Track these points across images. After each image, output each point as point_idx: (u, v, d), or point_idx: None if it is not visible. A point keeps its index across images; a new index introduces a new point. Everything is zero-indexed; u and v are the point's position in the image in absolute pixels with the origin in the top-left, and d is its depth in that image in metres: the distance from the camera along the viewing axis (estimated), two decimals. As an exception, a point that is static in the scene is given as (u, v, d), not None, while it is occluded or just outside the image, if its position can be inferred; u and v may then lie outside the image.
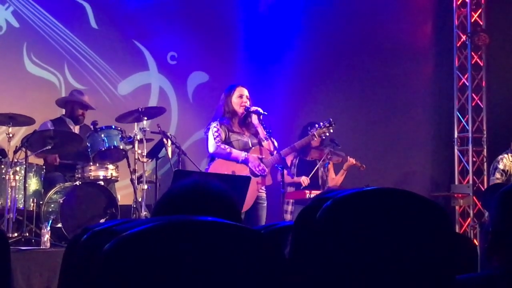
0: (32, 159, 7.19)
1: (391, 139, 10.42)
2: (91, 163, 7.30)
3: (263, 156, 6.91)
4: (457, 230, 9.60)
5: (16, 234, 6.63)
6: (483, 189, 9.93)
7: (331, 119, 7.24)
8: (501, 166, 8.64)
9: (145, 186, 7.23)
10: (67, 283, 1.79)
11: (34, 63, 8.92)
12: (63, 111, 8.07)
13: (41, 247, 6.30)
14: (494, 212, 2.36)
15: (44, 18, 8.98)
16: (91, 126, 7.45)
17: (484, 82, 10.56)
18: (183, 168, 7.41)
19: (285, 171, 7.11)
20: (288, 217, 7.44)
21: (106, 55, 9.35)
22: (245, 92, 6.98)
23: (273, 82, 9.97)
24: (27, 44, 8.89)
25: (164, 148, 7.37)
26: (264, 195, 7.02)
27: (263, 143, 6.93)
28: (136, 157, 7.22)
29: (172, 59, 9.81)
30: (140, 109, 7.33)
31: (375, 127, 10.35)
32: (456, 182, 10.44)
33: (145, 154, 7.25)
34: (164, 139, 7.33)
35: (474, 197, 10.02)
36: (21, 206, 6.81)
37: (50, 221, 6.70)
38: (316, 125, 7.25)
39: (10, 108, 7.17)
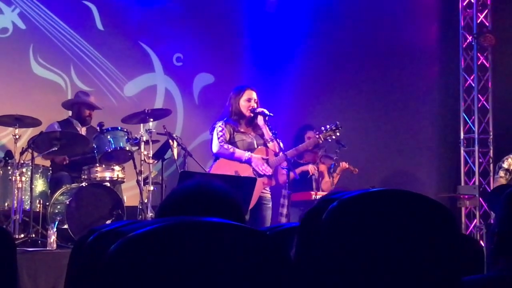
0: (39, 160, 7.20)
1: (397, 140, 10.41)
2: (98, 164, 7.31)
3: (268, 157, 6.90)
4: (463, 232, 9.58)
5: (22, 236, 6.64)
6: (489, 190, 9.90)
7: (338, 122, 7.21)
8: (505, 165, 8.66)
9: (151, 187, 7.23)
10: (73, 284, 1.79)
11: (41, 64, 8.93)
12: (70, 113, 8.09)
13: (48, 248, 6.30)
14: (500, 214, 2.36)
15: (50, 20, 9.00)
16: (98, 128, 7.46)
17: (490, 83, 10.53)
18: (188, 170, 7.41)
19: (291, 172, 7.10)
20: (283, 220, 7.40)
21: (112, 57, 9.37)
22: (254, 96, 6.97)
23: (279, 83, 9.97)
24: (34, 46, 8.91)
25: (170, 150, 7.38)
26: (269, 195, 7.02)
27: (268, 144, 6.93)
28: (142, 159, 7.22)
29: (178, 61, 9.82)
30: (146, 111, 7.33)
31: (381, 128, 10.34)
32: (462, 183, 10.41)
33: (151, 156, 7.26)
34: (170, 141, 7.33)
35: (480, 198, 9.99)
36: (27, 208, 6.83)
37: (57, 222, 6.70)
38: (322, 128, 7.23)
39: (16, 110, 7.18)
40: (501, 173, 8.71)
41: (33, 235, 6.64)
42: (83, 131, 7.88)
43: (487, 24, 10.52)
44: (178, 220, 1.68)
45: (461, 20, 10.64)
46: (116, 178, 7.38)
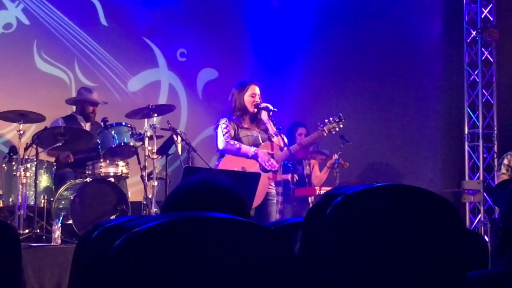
0: (43, 156, 7.21)
1: (401, 135, 10.41)
2: (102, 160, 7.32)
3: (273, 152, 6.90)
4: (467, 227, 9.57)
5: (27, 231, 6.65)
6: (493, 185, 9.89)
7: (341, 114, 7.20)
8: (506, 161, 8.69)
9: (155, 183, 7.24)
10: (78, 279, 1.79)
11: (45, 60, 8.94)
12: (74, 108, 8.09)
13: (52, 244, 6.31)
14: (505, 208, 2.35)
15: (54, 16, 9.00)
16: (102, 123, 7.46)
17: (494, 78, 10.51)
18: (193, 165, 7.42)
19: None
20: (276, 216, 7.38)
21: (116, 52, 9.37)
22: (257, 91, 6.96)
23: (283, 78, 9.97)
24: (38, 41, 8.92)
25: (174, 145, 7.38)
26: (274, 191, 7.01)
27: (273, 139, 6.93)
28: (146, 154, 7.23)
29: (182, 56, 9.82)
30: (150, 106, 7.34)
31: (385, 123, 10.33)
32: (467, 179, 10.40)
33: (155, 151, 7.26)
34: (174, 136, 7.34)
35: (484, 193, 9.98)
36: (32, 203, 6.84)
37: (61, 218, 6.71)
38: (326, 121, 7.21)
39: (20, 105, 7.19)
40: (503, 170, 8.74)
41: (38, 231, 6.64)
42: (87, 126, 7.89)
43: (491, 19, 10.49)
44: (183, 216, 1.68)
45: (465, 15, 10.61)
46: (120, 174, 7.39)
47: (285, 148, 6.87)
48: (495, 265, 2.37)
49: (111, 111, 8.05)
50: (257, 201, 6.68)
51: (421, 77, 10.58)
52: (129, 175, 7.58)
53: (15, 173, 6.84)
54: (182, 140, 7.37)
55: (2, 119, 7.33)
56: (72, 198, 6.91)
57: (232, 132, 6.87)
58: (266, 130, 6.98)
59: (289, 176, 7.90)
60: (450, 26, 10.79)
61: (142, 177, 7.23)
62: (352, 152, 8.70)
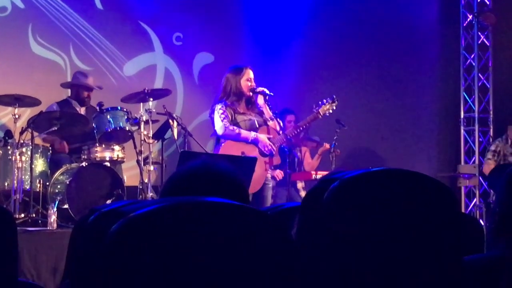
0: (39, 140, 7.20)
1: (397, 119, 10.41)
2: (97, 144, 7.31)
3: (271, 136, 6.90)
4: (462, 211, 9.59)
5: (23, 215, 6.65)
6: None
7: (334, 96, 7.20)
8: (493, 147, 8.79)
9: (151, 167, 7.24)
10: (74, 263, 1.79)
11: (40, 44, 8.90)
12: (69, 92, 8.07)
13: (48, 228, 6.32)
14: (501, 193, 2.36)
15: (49, -1, 8.97)
16: (97, 107, 7.45)
17: (490, 62, 10.51)
18: (189, 149, 7.41)
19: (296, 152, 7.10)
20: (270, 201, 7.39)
21: (112, 36, 9.33)
22: (252, 75, 6.95)
23: (279, 63, 9.95)
24: (33, 25, 8.88)
25: (170, 129, 7.37)
26: (269, 175, 7.02)
27: (269, 123, 6.92)
28: (142, 138, 7.22)
29: (178, 40, 9.79)
30: (146, 90, 7.32)
31: (381, 108, 10.33)
32: (462, 163, 10.43)
33: (151, 135, 7.25)
34: (170, 120, 7.32)
35: (480, 178, 10.00)
36: (27, 187, 6.83)
37: (57, 202, 6.71)
38: (320, 102, 7.20)
39: (16, 89, 7.17)
40: (489, 155, 8.88)
41: (34, 215, 6.65)
42: (82, 111, 7.87)
43: (488, 3, 10.48)
44: (179, 200, 1.68)
45: (461, -2, 10.61)
46: (116, 158, 7.39)
47: (281, 133, 6.87)
48: (491, 249, 2.38)
49: (107, 96, 8.03)
50: (256, 187, 6.68)
51: (417, 61, 10.58)
52: (124, 160, 7.57)
53: (10, 157, 6.83)
54: (178, 124, 7.36)
55: (-2, 103, 7.32)
56: (68, 182, 6.91)
57: (230, 117, 6.86)
58: (260, 114, 6.97)
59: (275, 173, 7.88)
60: (446, 10, 10.77)
61: (138, 161, 7.23)
62: (348, 137, 8.70)
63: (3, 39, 8.69)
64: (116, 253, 1.51)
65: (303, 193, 8.34)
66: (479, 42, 10.50)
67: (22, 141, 6.86)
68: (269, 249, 1.65)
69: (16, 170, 6.73)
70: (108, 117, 7.29)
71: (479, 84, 10.47)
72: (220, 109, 6.85)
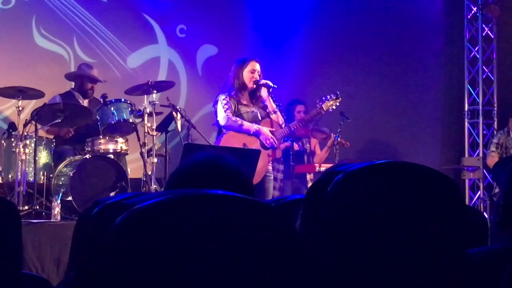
0: (42, 132, 7.21)
1: (401, 112, 10.40)
2: (101, 137, 7.31)
3: (274, 129, 6.89)
4: (466, 203, 9.59)
5: (26, 207, 6.66)
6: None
7: (338, 92, 7.21)
8: (495, 140, 8.80)
9: (155, 160, 7.24)
10: (78, 256, 1.79)
11: (43, 36, 8.91)
12: (72, 85, 8.07)
13: (52, 220, 6.33)
14: (505, 185, 2.35)
15: (53, -9, 8.97)
16: (101, 99, 7.45)
17: (495, 55, 10.50)
18: (192, 142, 7.41)
19: (295, 144, 7.09)
20: (276, 193, 7.39)
21: (115, 28, 9.34)
22: (257, 67, 6.94)
23: (283, 55, 9.94)
24: (36, 17, 8.88)
25: (173, 122, 7.37)
26: (271, 167, 7.02)
27: (272, 116, 6.92)
28: (146, 131, 7.22)
29: (181, 32, 9.79)
30: (149, 83, 7.32)
31: (385, 100, 10.32)
32: (466, 155, 10.41)
33: (154, 128, 7.25)
34: (174, 113, 7.32)
35: (484, 170, 9.99)
36: (31, 179, 6.84)
37: (60, 194, 6.72)
38: (323, 98, 7.21)
39: (19, 81, 7.17)
40: (492, 148, 8.87)
41: (37, 207, 6.66)
42: (85, 103, 7.87)
43: (492, -5, 10.45)
44: (183, 193, 1.68)
45: (466, -9, 10.59)
46: (119, 150, 7.39)
47: (284, 125, 6.87)
48: (495, 242, 2.37)
49: (110, 88, 8.04)
50: (257, 179, 6.68)
51: (421, 53, 10.56)
52: (128, 152, 7.58)
53: (14, 149, 6.84)
54: (182, 116, 7.36)
55: (1, 95, 7.31)
56: (71, 174, 6.91)
57: (233, 108, 6.87)
58: (264, 108, 6.97)
59: (288, 144, 7.91)
60: (450, 2, 10.76)
61: (141, 153, 7.23)
62: (352, 129, 8.70)
63: (7, 31, 8.70)
64: (120, 246, 1.50)
65: None
66: (484, 34, 10.48)
67: (25, 133, 6.87)
68: (272, 242, 1.65)
69: (20, 162, 6.74)
70: (112, 109, 7.29)
71: (483, 77, 10.45)
72: (223, 99, 6.86)
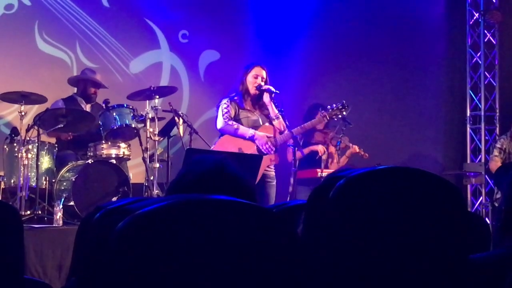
0: (45, 137, 7.22)
1: (403, 117, 10.40)
2: (103, 142, 7.32)
3: (272, 135, 6.88)
4: (468, 209, 9.58)
5: (28, 212, 6.66)
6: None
7: (344, 101, 7.18)
8: (498, 144, 8.78)
9: (157, 165, 7.24)
10: (80, 261, 1.79)
11: (46, 41, 8.92)
12: (75, 90, 8.07)
13: (54, 225, 6.32)
14: (507, 191, 2.35)
15: (55, -4, 8.98)
16: (103, 105, 7.45)
17: (497, 60, 10.50)
18: (194, 147, 7.41)
19: (297, 151, 7.07)
20: (287, 198, 7.39)
21: (118, 34, 9.34)
22: (262, 73, 6.94)
23: (285, 60, 9.94)
24: (39, 22, 8.89)
25: (175, 127, 7.37)
26: (273, 173, 6.99)
27: (273, 122, 6.91)
28: (148, 136, 7.22)
29: (184, 38, 9.80)
30: (152, 88, 7.32)
31: (387, 105, 10.32)
32: (468, 161, 10.41)
33: (157, 133, 7.26)
34: (176, 118, 7.33)
35: (486, 176, 9.99)
36: (33, 184, 6.84)
37: (63, 199, 6.72)
38: (329, 107, 7.21)
39: (22, 86, 7.17)
40: (496, 152, 8.84)
41: (39, 212, 6.65)
42: (87, 108, 7.87)
43: (494, 1, 10.46)
44: (185, 198, 1.68)
45: (468, -4, 10.60)
46: (122, 155, 7.40)
47: (286, 131, 6.86)
48: (497, 248, 2.37)
49: (113, 93, 8.04)
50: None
51: (423, 59, 10.56)
52: (130, 157, 7.58)
53: (16, 154, 6.85)
54: (184, 122, 7.36)
55: (4, 100, 7.32)
56: (73, 179, 6.91)
57: (233, 113, 6.87)
58: (268, 115, 6.96)
59: (317, 147, 7.91)
60: (452, 8, 10.76)
61: (143, 159, 7.23)
62: (354, 134, 8.68)
63: (10, 36, 8.71)
64: (122, 250, 1.51)
65: None
66: (486, 40, 10.48)
67: (28, 138, 6.88)
68: (274, 247, 1.65)
69: (22, 167, 6.75)
70: (114, 114, 7.29)
71: (485, 82, 10.46)
72: (224, 103, 6.89)
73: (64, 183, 7.04)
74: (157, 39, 9.64)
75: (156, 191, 7.05)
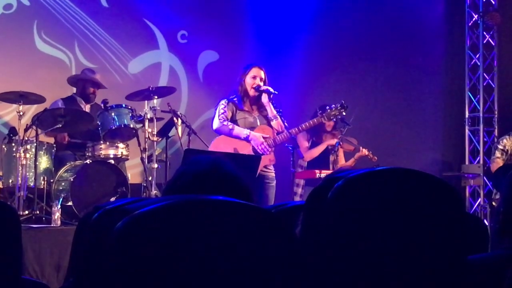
0: (43, 137, 7.21)
1: (402, 118, 10.40)
2: (102, 142, 7.32)
3: (268, 136, 6.88)
4: (467, 210, 9.58)
5: (27, 212, 6.65)
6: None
7: (343, 101, 7.18)
8: (500, 146, 8.76)
9: (155, 165, 7.24)
10: (78, 260, 1.79)
11: (45, 41, 8.91)
12: (74, 90, 8.07)
13: (52, 225, 6.33)
14: (506, 192, 2.35)
15: (54, -4, 8.98)
16: (102, 105, 7.45)
17: (495, 62, 10.50)
18: (193, 147, 7.41)
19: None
20: (297, 199, 7.42)
21: (117, 34, 9.34)
22: (260, 74, 6.94)
23: (284, 61, 9.94)
24: (38, 22, 8.88)
25: (174, 127, 7.37)
26: (272, 174, 6.99)
27: (271, 122, 6.91)
28: (147, 136, 7.22)
29: (183, 38, 9.79)
30: (150, 88, 7.33)
31: (386, 107, 10.32)
32: (467, 162, 10.41)
33: (155, 133, 7.26)
34: (174, 118, 7.32)
35: (484, 177, 9.99)
36: (31, 184, 6.84)
37: (61, 199, 6.72)
38: (327, 107, 7.21)
39: (20, 86, 7.17)
40: (497, 154, 8.81)
41: (38, 212, 6.65)
42: (87, 108, 7.87)
43: (493, 2, 10.46)
44: (183, 199, 1.68)
45: (467, -2, 10.60)
46: (120, 156, 7.39)
47: (285, 131, 6.85)
48: (495, 249, 2.37)
49: (111, 93, 8.03)
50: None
51: (422, 60, 10.56)
52: (129, 157, 7.58)
53: (15, 154, 6.84)
54: (183, 122, 7.36)
55: (2, 100, 7.32)
56: (72, 179, 6.91)
57: (229, 114, 6.88)
58: (266, 116, 6.96)
59: (332, 141, 7.93)
60: (452, 9, 10.76)
61: (142, 159, 7.23)
62: (353, 135, 8.68)
63: (9, 36, 8.70)
64: (120, 250, 1.51)
65: None
66: (484, 41, 10.48)
67: (26, 138, 6.88)
68: (273, 247, 1.65)
69: (21, 167, 6.74)
70: (113, 114, 7.29)
71: (484, 84, 10.46)
72: (222, 104, 6.90)
73: (62, 183, 7.04)
74: (156, 39, 9.64)
75: (155, 192, 7.05)
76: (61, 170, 7.10)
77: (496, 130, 10.38)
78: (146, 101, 7.41)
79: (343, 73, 10.21)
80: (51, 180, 7.05)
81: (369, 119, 9.95)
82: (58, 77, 8.60)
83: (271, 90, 6.89)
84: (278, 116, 6.91)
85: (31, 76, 8.60)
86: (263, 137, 6.84)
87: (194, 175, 2.07)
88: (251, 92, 6.91)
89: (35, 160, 6.83)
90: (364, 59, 10.30)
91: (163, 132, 7.45)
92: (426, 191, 1.90)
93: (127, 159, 7.61)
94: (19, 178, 6.69)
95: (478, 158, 10.36)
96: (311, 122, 7.15)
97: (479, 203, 10.15)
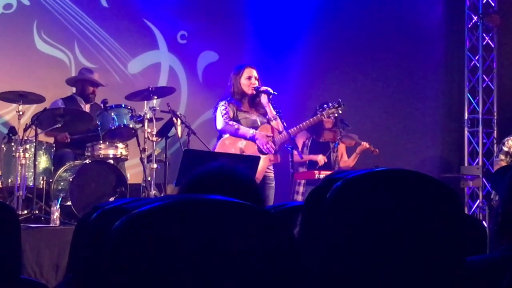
0: (42, 137, 7.21)
1: (401, 119, 10.41)
2: (101, 142, 7.32)
3: (272, 135, 6.89)
4: (466, 212, 9.58)
5: (26, 212, 6.65)
6: (492, 171, 9.90)
7: (340, 100, 7.22)
8: (505, 148, 8.72)
9: (155, 165, 7.23)
10: (77, 260, 1.79)
11: (45, 41, 8.91)
12: (74, 90, 8.08)
13: (51, 225, 6.32)
14: (504, 194, 2.35)
15: (54, -4, 8.98)
16: (101, 105, 7.45)
17: (495, 64, 10.51)
18: (192, 148, 7.41)
19: (295, 151, 7.07)
20: (299, 198, 7.44)
21: (116, 34, 9.34)
22: (254, 73, 6.96)
23: (283, 61, 9.95)
24: (38, 22, 8.89)
25: (173, 127, 7.37)
26: (272, 175, 7.00)
27: (271, 122, 6.92)
28: (146, 136, 7.22)
29: (182, 38, 9.79)
30: (150, 88, 7.32)
31: (385, 108, 10.33)
32: (466, 164, 10.42)
33: (154, 133, 7.25)
34: (174, 118, 7.32)
35: (483, 179, 9.99)
36: (31, 184, 6.84)
37: (60, 199, 6.72)
38: (325, 105, 7.22)
39: (20, 86, 7.17)
40: (502, 156, 8.78)
41: (37, 212, 6.65)
42: (87, 108, 7.88)
43: (493, 4, 10.47)
44: (182, 198, 1.68)
45: (466, 0, 10.60)
46: (119, 156, 7.39)
47: (284, 131, 6.86)
48: (494, 250, 2.37)
49: (111, 93, 8.03)
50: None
51: (422, 61, 10.57)
52: (128, 157, 7.58)
53: (14, 154, 6.84)
54: (182, 122, 7.36)
55: (2, 99, 7.32)
56: (71, 179, 6.91)
57: (231, 114, 6.88)
58: (265, 114, 6.98)
59: (317, 157, 7.95)
60: (451, 11, 10.77)
61: (141, 159, 7.23)
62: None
63: (8, 35, 8.70)
64: (119, 250, 1.51)
65: None
66: (484, 43, 10.49)
67: (25, 138, 6.87)
68: (271, 248, 1.65)
69: (20, 167, 6.74)
70: (112, 114, 7.29)
71: (483, 86, 10.47)
72: (222, 105, 6.90)
73: (62, 183, 7.04)
74: (156, 39, 9.64)
75: (154, 192, 7.05)
76: (60, 170, 7.10)
77: (495, 132, 10.39)
78: (145, 101, 7.41)
79: (342, 74, 10.22)
80: (50, 180, 7.05)
81: (368, 120, 9.96)
82: (57, 77, 8.59)
83: (271, 90, 6.90)
84: (278, 117, 6.91)
85: (31, 76, 8.60)
86: (268, 136, 6.85)
87: (204, 179, 2.07)
88: (250, 92, 6.92)
89: (35, 160, 6.82)
90: (364, 60, 10.31)
91: (163, 132, 7.44)
92: (425, 192, 1.90)
93: (127, 159, 7.61)
94: (18, 178, 6.69)
95: (477, 159, 10.36)
96: (310, 121, 7.17)
97: (478, 204, 10.15)
